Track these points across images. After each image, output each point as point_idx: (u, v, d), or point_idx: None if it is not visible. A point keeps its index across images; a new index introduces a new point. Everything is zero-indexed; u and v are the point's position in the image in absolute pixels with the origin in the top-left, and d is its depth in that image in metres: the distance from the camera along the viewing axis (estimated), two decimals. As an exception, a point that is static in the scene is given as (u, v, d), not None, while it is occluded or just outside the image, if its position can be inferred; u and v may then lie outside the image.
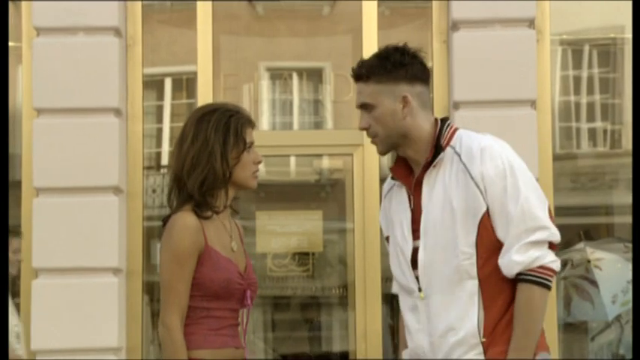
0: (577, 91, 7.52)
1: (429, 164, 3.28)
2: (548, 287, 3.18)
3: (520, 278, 3.18)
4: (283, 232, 7.22)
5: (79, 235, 6.29)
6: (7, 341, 5.84)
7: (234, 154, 3.41)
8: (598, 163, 7.63)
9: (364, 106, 3.35)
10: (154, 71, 7.22)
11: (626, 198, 7.22)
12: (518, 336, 3.17)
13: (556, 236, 3.22)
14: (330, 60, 7.47)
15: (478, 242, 3.20)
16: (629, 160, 6.90)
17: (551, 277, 3.19)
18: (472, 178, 3.21)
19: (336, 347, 7.60)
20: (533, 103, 6.49)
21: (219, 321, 3.37)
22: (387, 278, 6.94)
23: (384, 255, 6.70)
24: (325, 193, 7.77)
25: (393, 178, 3.45)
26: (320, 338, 7.69)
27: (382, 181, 6.82)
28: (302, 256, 7.33)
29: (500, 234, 3.20)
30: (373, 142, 3.40)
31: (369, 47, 6.80)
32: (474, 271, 3.20)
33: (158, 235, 7.05)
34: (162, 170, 7.62)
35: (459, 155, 3.26)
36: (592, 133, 7.55)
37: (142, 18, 6.76)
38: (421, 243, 3.27)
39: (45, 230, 6.29)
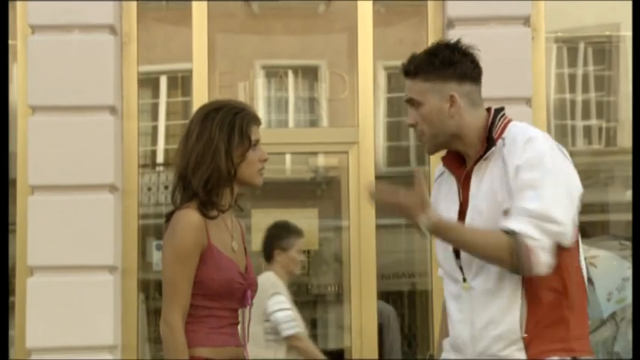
0: (572, 89, 7.52)
1: (480, 158, 3.22)
2: (515, 260, 3.04)
3: (506, 230, 3.06)
4: (279, 230, 7.21)
5: (75, 233, 6.28)
6: (7, 341, 5.86)
7: (239, 152, 3.39)
8: (593, 160, 7.63)
9: (411, 102, 3.28)
10: (149, 69, 7.22)
11: (621, 195, 7.23)
12: (465, 229, 3.11)
13: (566, 237, 3.10)
14: (325, 58, 7.47)
15: None
16: (624, 157, 6.91)
17: (530, 262, 3.03)
18: (507, 172, 3.14)
19: (332, 344, 7.59)
20: (528, 101, 6.50)
21: (220, 320, 3.37)
22: (382, 275, 6.95)
23: (380, 252, 6.74)
24: (321, 191, 7.77)
25: (444, 166, 3.38)
26: (316, 336, 7.69)
27: (377, 178, 6.83)
28: (297, 254, 7.32)
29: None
30: (420, 140, 3.31)
31: (365, 45, 6.81)
32: None
33: (154, 232, 7.06)
34: (157, 168, 7.62)
35: (505, 147, 3.20)
36: (587, 130, 7.56)
37: (138, 16, 6.76)
38: None
39: (40, 228, 6.29)
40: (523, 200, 3.08)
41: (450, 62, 3.23)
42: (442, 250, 3.34)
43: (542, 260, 3.06)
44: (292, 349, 5.88)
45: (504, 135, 3.23)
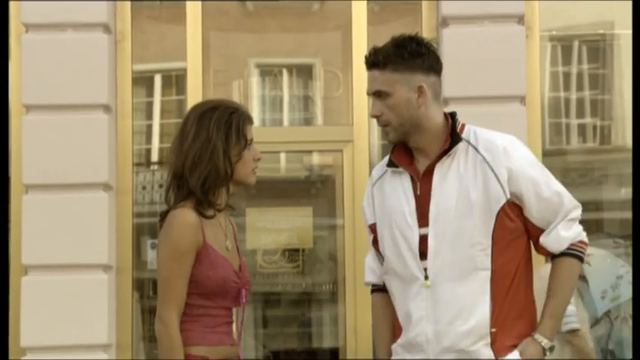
0: (566, 87, 7.53)
1: (444, 153, 3.29)
2: (583, 260, 3.34)
3: (565, 252, 3.30)
4: (273, 229, 7.21)
5: (69, 231, 6.28)
6: (7, 341, 5.85)
7: (236, 152, 3.41)
8: (587, 158, 7.64)
9: (378, 94, 3.33)
10: (143, 67, 7.21)
11: (615, 194, 7.24)
12: (555, 304, 3.28)
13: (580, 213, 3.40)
14: (319, 56, 7.47)
15: (495, 234, 3.22)
16: (618, 155, 6.91)
17: (586, 250, 3.35)
18: (492, 170, 3.24)
19: (327, 343, 7.60)
20: (522, 99, 6.50)
21: (215, 319, 3.37)
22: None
23: (374, 251, 6.73)
24: (315, 190, 7.77)
25: (390, 165, 3.42)
26: (310, 334, 7.69)
27: (372, 177, 6.82)
28: (292, 253, 7.32)
29: (538, 216, 3.29)
30: (384, 130, 3.37)
31: (359, 44, 6.81)
32: (487, 261, 3.21)
33: (148, 231, 7.05)
34: (151, 167, 7.61)
35: (474, 147, 3.28)
36: (581, 128, 7.56)
37: (132, 14, 6.76)
38: (431, 231, 3.26)
39: (34, 227, 6.28)
40: (548, 199, 3.29)
41: (419, 54, 3.31)
42: (394, 252, 3.36)
43: (586, 236, 3.39)
44: (567, 346, 5.77)
45: (464, 135, 3.33)
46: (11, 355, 6.34)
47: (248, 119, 3.49)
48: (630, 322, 6.78)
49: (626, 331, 6.80)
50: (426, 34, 6.68)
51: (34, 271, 6.31)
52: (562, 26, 7.40)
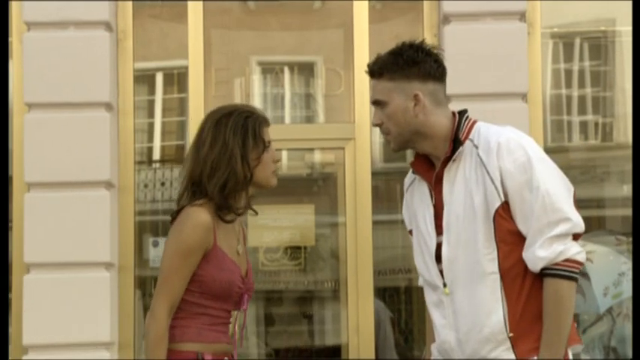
0: (568, 84, 7.52)
1: (448, 159, 3.25)
2: (575, 280, 3.15)
3: (546, 273, 3.14)
4: (275, 226, 7.21)
5: (71, 230, 6.28)
6: (7, 341, 5.85)
7: (255, 155, 3.41)
8: (589, 156, 7.64)
9: (377, 103, 3.33)
10: (145, 66, 7.21)
11: (617, 191, 7.24)
12: (548, 331, 3.13)
13: (579, 227, 3.21)
14: (321, 54, 7.47)
15: (497, 236, 3.18)
16: (620, 152, 6.91)
17: (578, 269, 3.16)
18: (488, 173, 3.18)
19: (329, 341, 7.60)
20: (524, 96, 6.50)
21: (213, 319, 3.38)
22: (379, 272, 6.95)
23: (376, 249, 6.75)
24: (317, 187, 7.77)
25: (414, 172, 3.41)
26: (312, 332, 7.69)
27: (374, 174, 6.84)
28: (294, 250, 7.32)
29: (522, 227, 3.17)
30: (386, 139, 3.36)
31: (360, 41, 6.81)
32: (495, 266, 3.17)
33: (150, 229, 7.06)
34: (153, 165, 7.61)
35: (477, 148, 3.23)
36: (583, 126, 7.56)
37: (133, 12, 6.76)
38: (444, 238, 3.25)
39: (36, 225, 6.29)
40: (528, 212, 3.13)
41: (414, 61, 3.28)
42: (420, 258, 3.37)
43: (578, 253, 3.17)
44: None
45: (471, 136, 3.27)
46: (14, 353, 6.35)
47: (264, 122, 3.51)
48: (633, 319, 6.78)
49: (629, 328, 6.80)
50: (427, 31, 6.68)
51: (36, 270, 6.31)
52: (564, 23, 7.39)
